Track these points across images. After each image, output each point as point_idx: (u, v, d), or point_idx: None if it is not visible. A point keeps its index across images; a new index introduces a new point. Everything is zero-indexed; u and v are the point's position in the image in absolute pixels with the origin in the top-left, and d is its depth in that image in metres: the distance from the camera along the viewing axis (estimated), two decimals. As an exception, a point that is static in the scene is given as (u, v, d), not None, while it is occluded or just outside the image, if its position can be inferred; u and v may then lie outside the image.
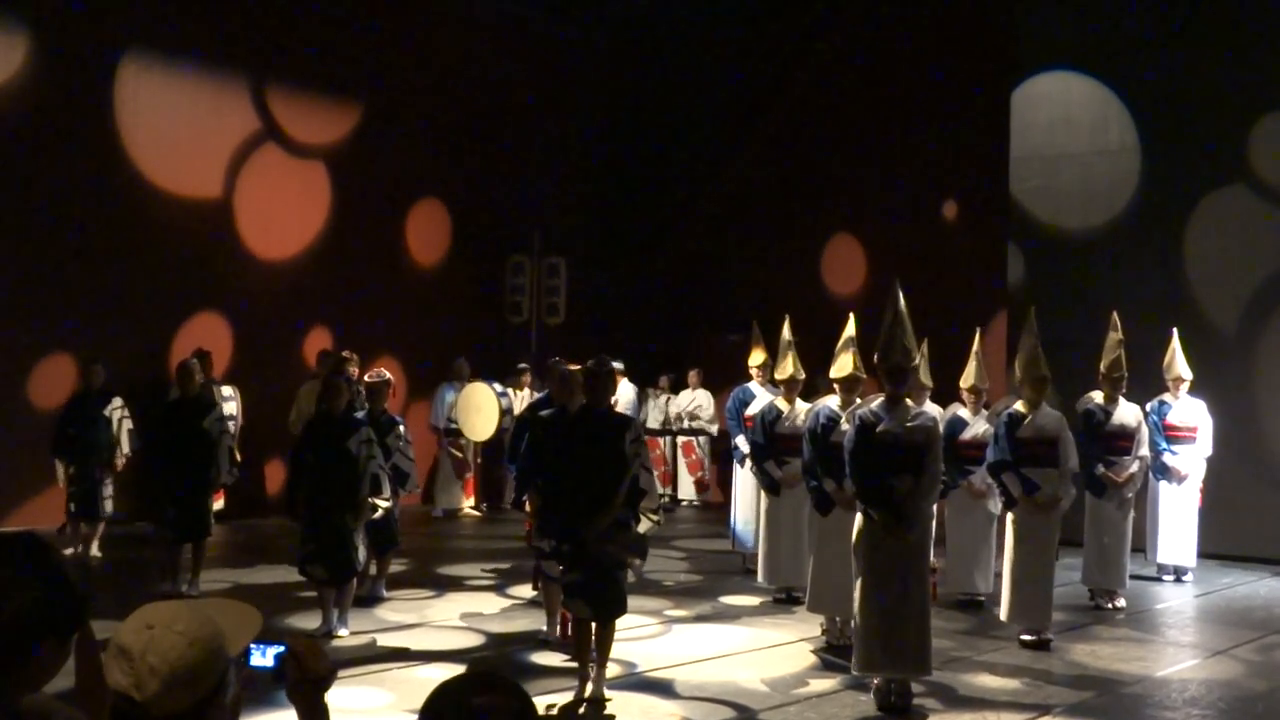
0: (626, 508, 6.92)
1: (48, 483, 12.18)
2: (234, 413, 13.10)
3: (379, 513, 8.91)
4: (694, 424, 16.76)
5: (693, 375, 16.92)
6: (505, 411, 13.84)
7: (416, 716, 2.17)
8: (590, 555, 6.88)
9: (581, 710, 6.90)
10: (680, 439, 16.95)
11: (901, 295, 7.37)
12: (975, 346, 10.29)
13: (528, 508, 8.19)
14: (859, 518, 7.26)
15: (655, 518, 7.08)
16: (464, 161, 16.95)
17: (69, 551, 11.29)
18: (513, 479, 8.93)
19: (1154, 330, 11.43)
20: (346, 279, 15.54)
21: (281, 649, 2.45)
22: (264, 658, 2.44)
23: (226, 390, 13.01)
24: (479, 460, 15.58)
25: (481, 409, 13.84)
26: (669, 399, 17.04)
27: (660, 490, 15.57)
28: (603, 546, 6.86)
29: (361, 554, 8.71)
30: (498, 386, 14.08)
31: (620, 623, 7.20)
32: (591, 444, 6.93)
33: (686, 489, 17.09)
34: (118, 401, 11.56)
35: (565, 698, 6.99)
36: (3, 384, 12.74)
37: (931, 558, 8.02)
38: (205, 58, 14.45)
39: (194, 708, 2.19)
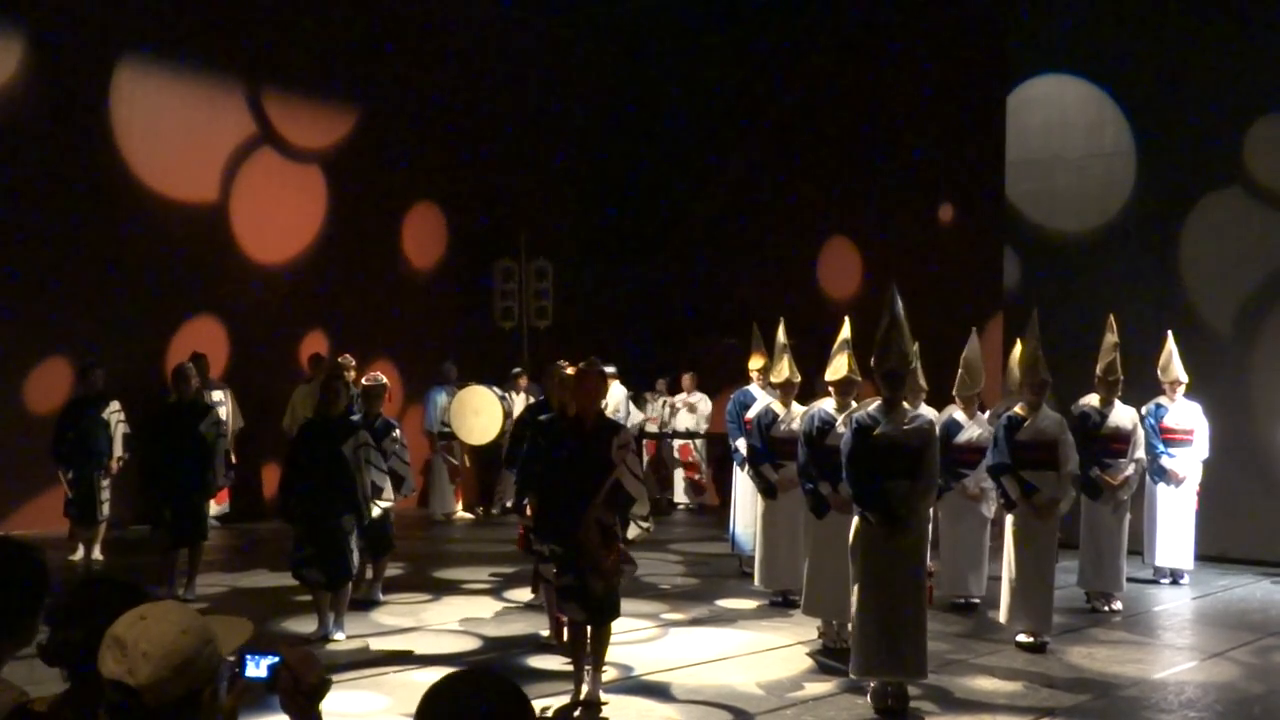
0: (614, 514, 6.92)
1: (45, 487, 12.20)
2: (224, 415, 13.08)
3: (377, 512, 8.94)
4: (684, 417, 16.69)
5: (686, 379, 16.86)
6: (507, 414, 13.83)
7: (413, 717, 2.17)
8: (583, 559, 6.89)
9: (577, 713, 6.90)
10: (677, 442, 16.93)
11: (899, 299, 7.37)
12: (965, 352, 10.28)
13: (529, 511, 8.19)
14: (855, 521, 7.26)
15: (645, 524, 7.08)
16: (460, 165, 16.96)
17: (74, 557, 11.32)
18: (513, 482, 8.93)
19: (1150, 333, 11.43)
20: (343, 283, 15.55)
21: (275, 659, 2.46)
22: (258, 668, 2.45)
23: (217, 395, 12.95)
24: (469, 465, 15.56)
25: (481, 412, 13.81)
26: (666, 402, 17.01)
27: (656, 495, 15.74)
28: (595, 550, 6.87)
29: (356, 558, 8.71)
30: (497, 390, 14.07)
31: (616, 626, 7.21)
32: (582, 448, 6.95)
33: (683, 492, 17.08)
34: (115, 405, 11.57)
35: (562, 701, 6.99)
36: (0, 388, 12.74)
37: (928, 561, 8.02)
38: (201, 62, 14.47)
39: (185, 698, 2.21)
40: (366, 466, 8.68)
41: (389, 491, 9.08)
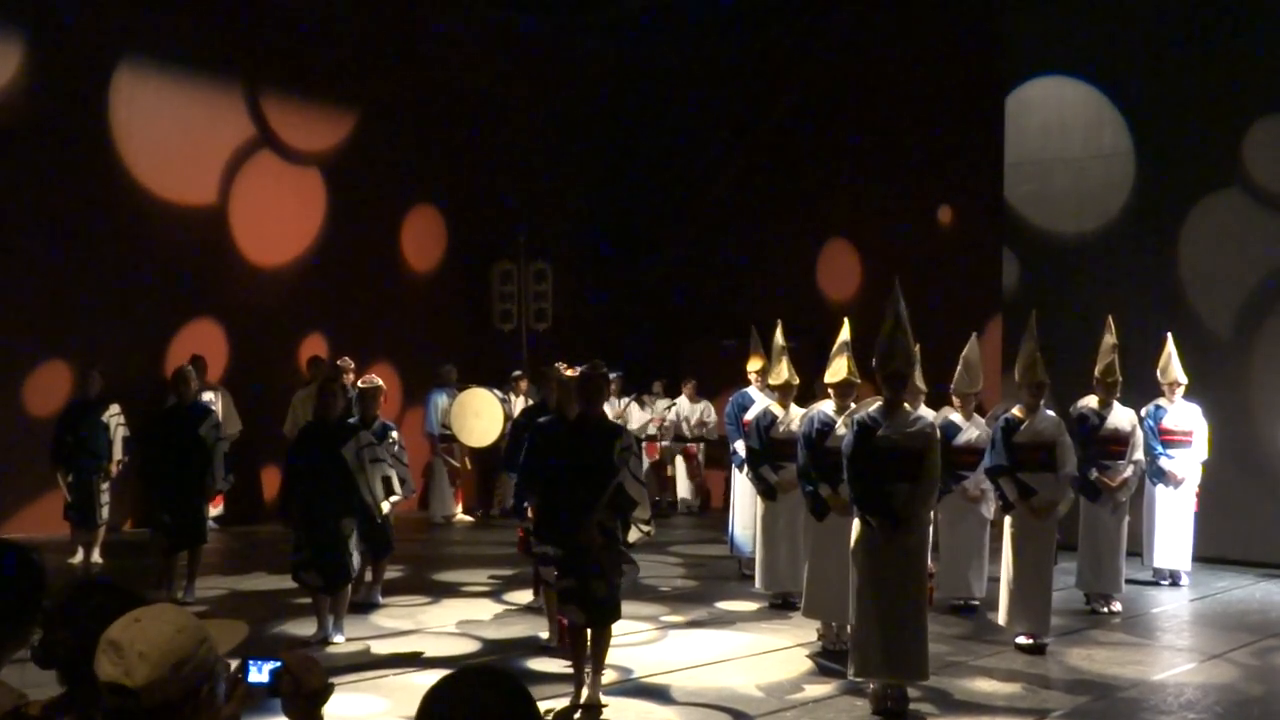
0: (615, 517, 6.93)
1: (44, 490, 12.19)
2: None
3: (387, 508, 8.97)
4: (700, 430, 16.64)
5: (687, 387, 16.78)
6: (507, 417, 13.82)
7: (415, 713, 2.17)
8: (584, 561, 6.90)
9: (577, 716, 6.91)
10: (680, 444, 16.87)
11: (902, 300, 7.36)
12: (965, 350, 10.29)
13: (530, 514, 8.19)
14: (856, 523, 7.26)
15: (646, 528, 7.09)
16: (459, 167, 16.96)
17: (74, 560, 11.31)
18: (513, 485, 8.94)
19: (1149, 334, 11.43)
20: (342, 285, 15.55)
21: (277, 664, 2.46)
22: (260, 674, 2.46)
23: (208, 396, 12.89)
24: (469, 467, 15.55)
25: (482, 414, 13.81)
26: (669, 405, 16.96)
27: (657, 497, 15.70)
28: (596, 553, 6.88)
29: (355, 560, 8.71)
30: (498, 392, 14.07)
31: (616, 628, 7.22)
32: (583, 451, 6.96)
33: (685, 495, 17.05)
34: (115, 408, 11.57)
35: (562, 703, 6.99)
36: (-1, 391, 12.76)
37: (928, 562, 8.02)
38: (200, 65, 14.47)
39: (183, 697, 2.21)
40: (374, 465, 8.70)
41: (397, 485, 9.12)
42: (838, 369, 8.37)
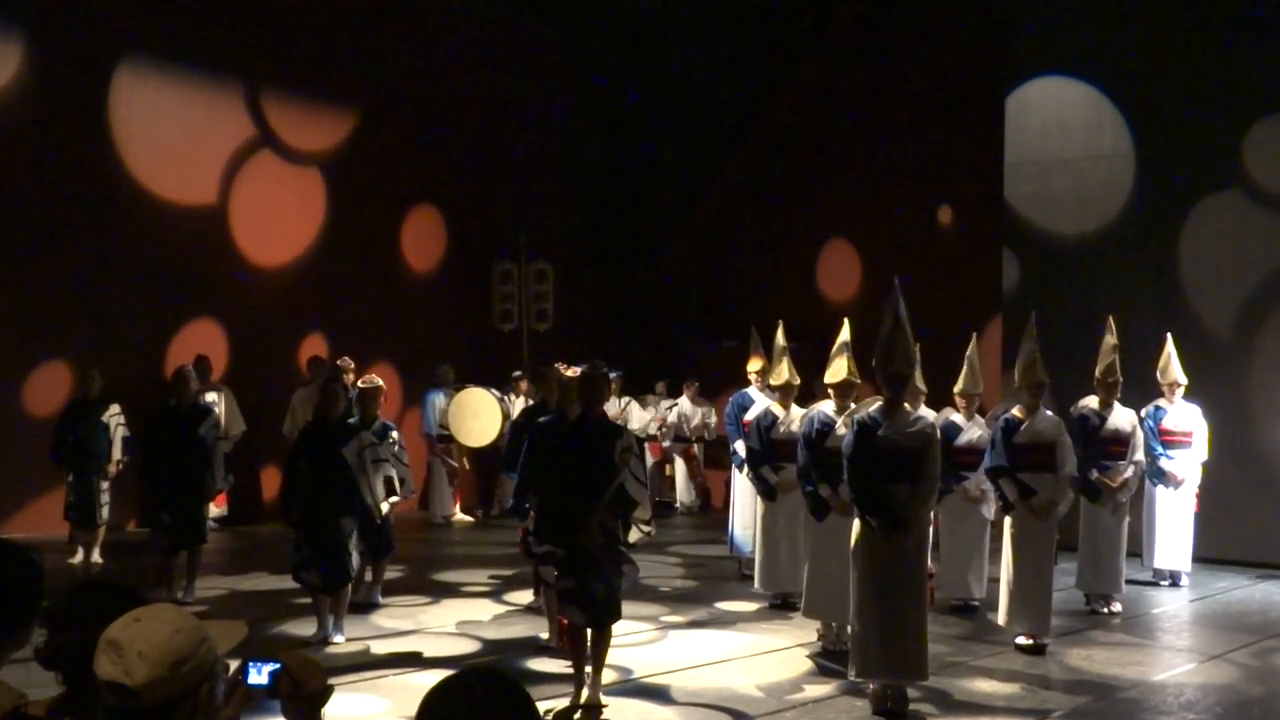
0: (615, 517, 6.93)
1: (44, 490, 12.17)
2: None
3: (387, 508, 8.98)
4: (701, 431, 16.64)
5: (688, 390, 16.75)
6: (506, 416, 13.82)
7: (415, 713, 2.17)
8: (584, 561, 6.90)
9: (577, 716, 6.91)
10: (680, 444, 16.88)
11: (902, 300, 7.36)
12: (969, 351, 10.29)
13: (530, 514, 8.18)
14: (856, 523, 7.26)
15: (646, 528, 7.09)
16: (459, 167, 16.95)
17: (74, 560, 11.31)
18: (513, 485, 8.94)
19: (1149, 335, 11.43)
20: (342, 285, 15.55)
21: (277, 666, 2.47)
22: (260, 675, 2.46)
23: (210, 396, 12.87)
24: (468, 467, 15.55)
25: (480, 414, 13.81)
26: (671, 405, 16.96)
27: (658, 497, 15.70)
28: (596, 554, 6.89)
29: (355, 560, 8.71)
30: (495, 392, 14.07)
31: (616, 628, 7.22)
32: (584, 451, 6.96)
33: (685, 495, 17.05)
34: (115, 408, 11.57)
35: (562, 704, 6.99)
36: (-1, 391, 12.75)
37: (928, 562, 8.02)
38: (200, 65, 14.47)
39: (183, 696, 2.22)
40: (376, 466, 8.71)
41: (397, 485, 9.14)
42: (838, 369, 8.37)
